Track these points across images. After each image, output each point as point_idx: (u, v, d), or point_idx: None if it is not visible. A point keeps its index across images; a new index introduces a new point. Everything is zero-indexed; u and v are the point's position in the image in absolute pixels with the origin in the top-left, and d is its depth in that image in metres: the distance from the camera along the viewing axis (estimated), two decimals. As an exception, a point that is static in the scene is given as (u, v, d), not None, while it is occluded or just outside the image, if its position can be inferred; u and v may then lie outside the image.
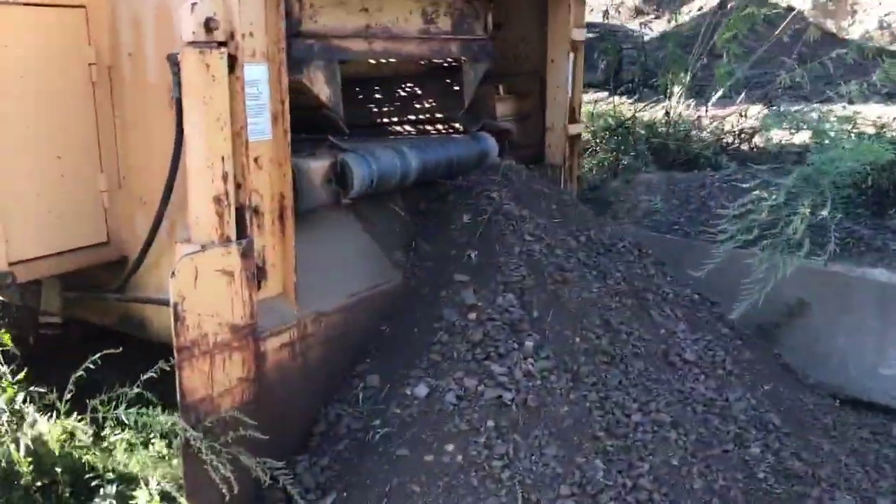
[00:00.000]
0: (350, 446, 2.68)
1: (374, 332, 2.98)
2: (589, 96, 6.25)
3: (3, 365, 2.47)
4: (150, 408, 2.37)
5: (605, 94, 6.43)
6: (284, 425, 2.69)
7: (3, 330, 2.59)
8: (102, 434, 2.53)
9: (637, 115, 5.46)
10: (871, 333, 4.01)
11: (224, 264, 2.36)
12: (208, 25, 2.26)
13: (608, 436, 2.62)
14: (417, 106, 4.11)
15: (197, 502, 2.37)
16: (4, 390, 2.39)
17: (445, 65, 3.93)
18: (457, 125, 3.95)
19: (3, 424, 2.33)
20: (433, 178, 3.51)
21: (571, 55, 4.25)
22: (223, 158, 2.34)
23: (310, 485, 2.57)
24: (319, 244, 2.98)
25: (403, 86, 4.09)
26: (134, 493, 2.50)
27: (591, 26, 11.51)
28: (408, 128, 4.10)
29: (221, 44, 2.32)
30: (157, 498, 2.43)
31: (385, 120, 4.12)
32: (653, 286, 3.31)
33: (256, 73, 2.47)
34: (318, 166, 2.89)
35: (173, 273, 2.22)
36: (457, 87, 3.91)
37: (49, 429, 2.28)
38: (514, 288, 2.95)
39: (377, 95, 4.06)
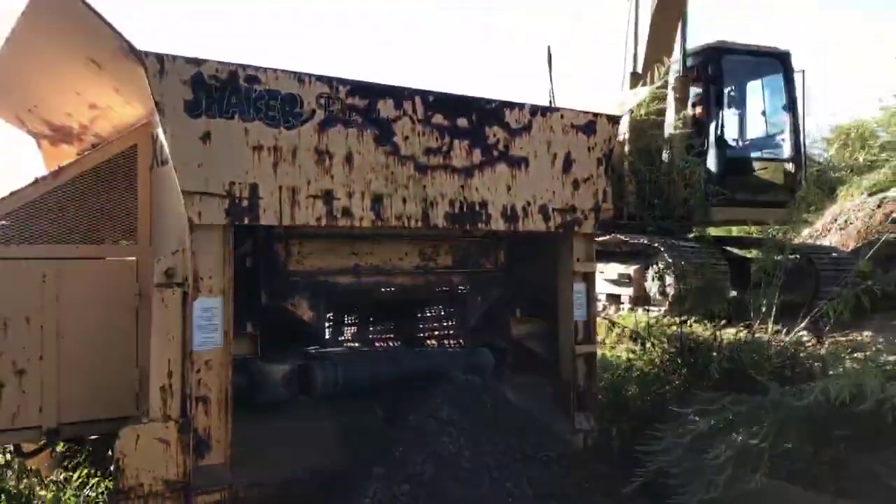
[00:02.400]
0: None
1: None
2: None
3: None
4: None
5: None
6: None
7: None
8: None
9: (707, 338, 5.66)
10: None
11: (161, 434, 3.38)
12: (167, 273, 3.45)
13: None
14: (443, 324, 4.96)
15: None
16: None
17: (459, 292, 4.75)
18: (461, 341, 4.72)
19: None
20: (415, 383, 4.24)
21: (582, 284, 4.83)
22: (169, 361, 3.43)
23: None
24: (280, 428, 3.88)
25: (429, 308, 4.97)
26: None
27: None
28: (432, 341, 4.94)
29: (179, 284, 3.48)
30: None
31: (416, 335, 5.00)
32: (564, 498, 3.65)
33: (213, 303, 3.56)
34: (276, 369, 3.86)
35: (118, 436, 3.28)
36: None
37: None
38: (412, 479, 3.55)
39: (404, 314, 4.97)
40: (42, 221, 3.78)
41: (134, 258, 3.92)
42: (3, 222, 3.74)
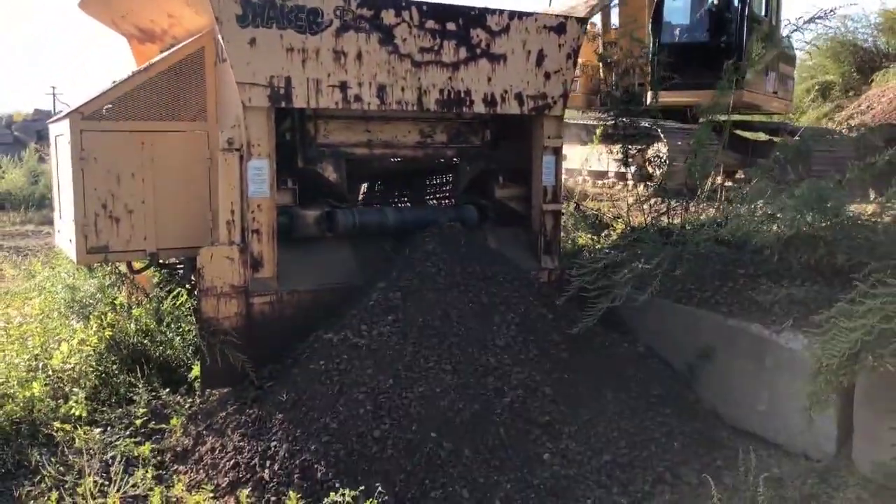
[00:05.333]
0: (292, 361, 4.95)
1: (336, 306, 5.22)
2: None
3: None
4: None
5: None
6: (268, 346, 5.04)
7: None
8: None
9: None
10: (751, 376, 5.10)
11: (227, 254, 4.89)
12: (228, 141, 4.87)
13: (406, 369, 4.54)
14: (439, 187, 6.33)
15: (205, 370, 4.86)
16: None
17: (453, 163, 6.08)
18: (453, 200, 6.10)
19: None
20: (413, 228, 5.64)
21: (551, 156, 6.09)
22: (232, 203, 4.90)
23: (264, 375, 4.91)
24: (314, 256, 5.37)
25: (434, 175, 6.34)
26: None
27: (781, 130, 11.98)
28: (433, 200, 6.33)
29: (237, 149, 4.90)
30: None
31: (418, 195, 6.39)
32: (509, 303, 5.07)
33: (261, 164, 4.98)
34: (308, 213, 5.31)
35: (199, 254, 4.81)
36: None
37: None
38: (402, 289, 5.01)
39: (407, 178, 6.35)
40: (138, 104, 5.20)
41: (205, 131, 5.35)
42: (109, 105, 5.18)
